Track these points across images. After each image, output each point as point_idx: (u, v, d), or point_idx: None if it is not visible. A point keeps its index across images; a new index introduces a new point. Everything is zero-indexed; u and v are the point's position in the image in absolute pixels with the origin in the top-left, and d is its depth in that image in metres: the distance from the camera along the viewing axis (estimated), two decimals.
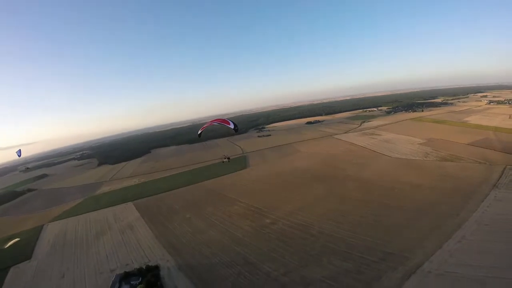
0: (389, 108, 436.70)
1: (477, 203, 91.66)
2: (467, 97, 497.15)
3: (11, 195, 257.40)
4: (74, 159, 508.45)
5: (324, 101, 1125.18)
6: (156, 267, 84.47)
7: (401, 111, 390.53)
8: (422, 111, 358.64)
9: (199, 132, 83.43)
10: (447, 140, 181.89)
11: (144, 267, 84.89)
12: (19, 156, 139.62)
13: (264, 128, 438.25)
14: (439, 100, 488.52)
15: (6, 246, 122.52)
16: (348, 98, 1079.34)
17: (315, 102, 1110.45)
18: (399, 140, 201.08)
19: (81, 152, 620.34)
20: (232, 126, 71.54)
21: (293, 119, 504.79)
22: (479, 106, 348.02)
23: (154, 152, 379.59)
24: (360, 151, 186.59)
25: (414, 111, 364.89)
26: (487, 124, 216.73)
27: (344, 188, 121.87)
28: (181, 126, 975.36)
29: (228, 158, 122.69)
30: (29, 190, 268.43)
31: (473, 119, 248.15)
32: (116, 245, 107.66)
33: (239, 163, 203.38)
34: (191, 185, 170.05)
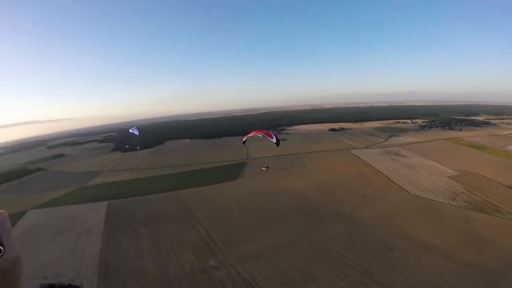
0: (424, 122, 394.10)
1: None
2: None
3: (22, 172, 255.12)
4: (96, 140, 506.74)
5: (361, 105, 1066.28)
6: None
7: (437, 127, 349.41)
8: (461, 130, 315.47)
9: (244, 139, 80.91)
10: (484, 177, 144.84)
11: (66, 284, 71.14)
12: (137, 135, 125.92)
13: (284, 130, 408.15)
14: (481, 118, 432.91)
15: None
16: (385, 104, 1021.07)
17: (351, 106, 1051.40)
18: (426, 167, 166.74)
19: (106, 134, 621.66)
20: (274, 140, 70.21)
21: (319, 122, 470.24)
22: None
23: (167, 144, 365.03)
24: (373, 176, 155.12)
25: (451, 129, 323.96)
26: None
27: (329, 233, 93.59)
28: (210, 117, 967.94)
29: (267, 167, 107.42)
30: (40, 170, 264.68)
31: None
32: (64, 251, 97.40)
33: (233, 172, 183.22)
34: (173, 191, 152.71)
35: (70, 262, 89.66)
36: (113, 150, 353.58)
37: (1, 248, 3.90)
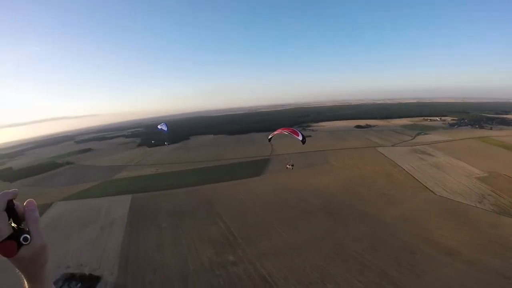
0: (453, 120, 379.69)
1: None
2: None
3: (51, 165, 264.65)
4: (123, 136, 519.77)
5: (388, 101, 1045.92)
6: (97, 278, 79.89)
7: (467, 125, 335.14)
8: (491, 128, 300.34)
9: (269, 137, 78.30)
10: None
11: (87, 274, 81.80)
12: (166, 131, 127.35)
13: (310, 126, 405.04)
14: None
15: None
16: (413, 101, 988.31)
17: (378, 102, 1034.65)
18: (454, 167, 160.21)
19: (133, 130, 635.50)
20: (300, 138, 67.04)
21: (345, 119, 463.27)
22: None
23: (191, 139, 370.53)
24: (399, 176, 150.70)
25: (481, 128, 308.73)
26: None
27: (350, 232, 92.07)
28: (236, 113, 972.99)
29: (292, 165, 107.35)
30: (68, 163, 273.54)
31: None
32: (88, 242, 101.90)
33: (257, 168, 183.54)
34: (196, 186, 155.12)
35: (92, 253, 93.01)
36: (139, 145, 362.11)
37: (28, 236, 4.04)
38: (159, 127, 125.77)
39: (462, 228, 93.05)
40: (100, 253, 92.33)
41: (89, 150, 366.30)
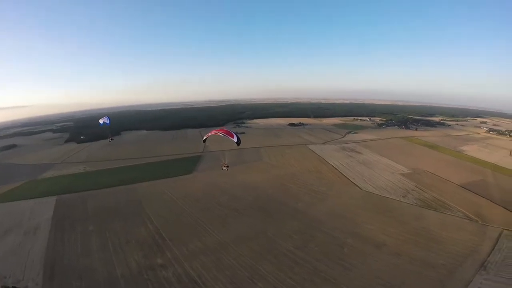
0: (382, 120, 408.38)
1: None
2: (466, 120, 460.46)
3: None
4: (51, 130, 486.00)
5: (322, 101, 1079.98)
6: None
7: (394, 125, 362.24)
8: (416, 129, 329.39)
9: (204, 138, 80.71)
10: (436, 175, 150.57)
11: (11, 287, 74.55)
12: (108, 124, 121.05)
13: (244, 123, 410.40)
14: (436, 119, 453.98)
15: None
16: (346, 102, 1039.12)
17: (313, 101, 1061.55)
18: (380, 164, 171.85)
19: (62, 124, 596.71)
20: (235, 139, 70.71)
21: (280, 117, 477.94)
22: (478, 133, 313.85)
23: (123, 135, 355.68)
24: (328, 173, 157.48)
25: (407, 128, 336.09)
26: (485, 159, 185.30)
27: (281, 229, 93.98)
28: (172, 107, 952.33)
29: (227, 166, 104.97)
30: None
31: (470, 150, 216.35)
32: (11, 251, 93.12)
33: (189, 165, 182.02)
34: (126, 185, 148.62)
35: (16, 262, 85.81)
36: (67, 141, 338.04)
37: None
38: (101, 121, 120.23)
39: (388, 221, 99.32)
40: (24, 262, 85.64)
41: (13, 146, 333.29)
